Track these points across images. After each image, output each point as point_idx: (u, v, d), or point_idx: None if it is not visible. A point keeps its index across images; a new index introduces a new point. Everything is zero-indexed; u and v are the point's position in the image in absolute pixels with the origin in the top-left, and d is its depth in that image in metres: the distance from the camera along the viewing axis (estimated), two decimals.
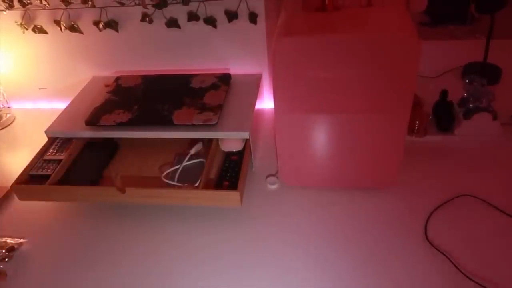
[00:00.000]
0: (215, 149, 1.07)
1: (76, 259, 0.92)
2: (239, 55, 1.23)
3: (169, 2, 1.14)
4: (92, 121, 1.07)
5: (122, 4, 1.16)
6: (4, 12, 1.22)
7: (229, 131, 1.03)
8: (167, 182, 1.02)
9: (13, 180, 1.02)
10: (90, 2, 1.17)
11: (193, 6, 1.14)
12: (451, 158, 1.07)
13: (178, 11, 1.16)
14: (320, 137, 0.93)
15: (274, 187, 1.04)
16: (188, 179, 1.02)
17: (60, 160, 1.07)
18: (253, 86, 1.18)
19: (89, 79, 1.31)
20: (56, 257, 0.93)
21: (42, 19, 1.23)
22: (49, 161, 1.08)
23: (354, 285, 0.81)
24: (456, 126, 1.11)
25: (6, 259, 0.93)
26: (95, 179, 1.06)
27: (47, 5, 1.20)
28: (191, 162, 1.07)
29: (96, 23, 1.21)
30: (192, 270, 0.88)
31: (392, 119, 0.87)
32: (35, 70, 1.36)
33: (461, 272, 0.81)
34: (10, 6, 1.20)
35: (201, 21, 1.16)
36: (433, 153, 1.08)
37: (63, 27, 1.22)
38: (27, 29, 1.25)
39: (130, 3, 1.16)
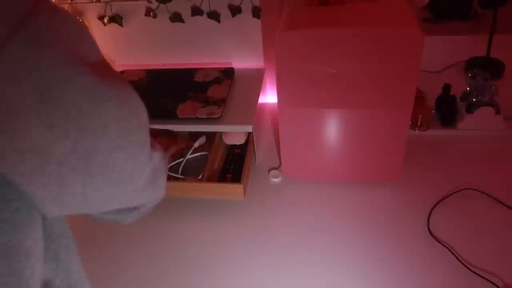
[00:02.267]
0: (218, 142, 1.08)
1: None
2: (242, 49, 1.23)
3: None
4: None
5: None
6: None
7: (232, 125, 1.03)
8: (171, 175, 1.03)
9: None
10: None
11: (196, 1, 1.15)
12: (454, 152, 1.07)
13: (182, 6, 1.16)
14: (323, 131, 0.93)
15: (276, 180, 1.05)
16: (191, 172, 1.03)
17: None
18: (256, 80, 1.19)
19: None
20: None
21: None
22: None
23: (357, 277, 0.82)
24: (459, 120, 1.11)
25: None
26: None
27: (53, 0, 1.20)
28: (195, 155, 1.08)
29: (100, 18, 1.22)
30: (194, 263, 0.88)
31: (395, 113, 0.88)
32: None
33: (464, 264, 0.81)
34: None
35: (204, 16, 1.17)
36: (436, 147, 1.08)
37: None
38: None
39: None
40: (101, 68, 0.39)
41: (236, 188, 0.94)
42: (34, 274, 0.40)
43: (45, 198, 0.37)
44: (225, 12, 1.16)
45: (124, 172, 0.42)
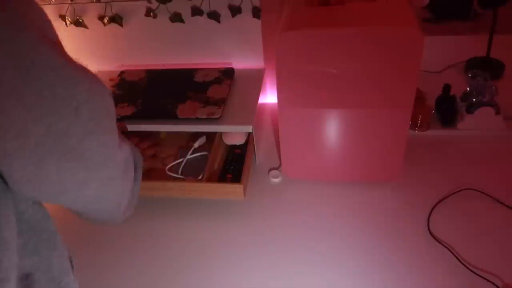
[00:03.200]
0: (218, 143, 1.08)
1: (77, 252, 0.93)
2: (242, 49, 1.23)
3: None
4: None
5: None
6: None
7: (232, 125, 1.03)
8: (171, 175, 1.03)
9: None
10: None
11: (197, 1, 1.15)
12: (454, 152, 1.07)
13: (182, 6, 1.16)
14: (323, 131, 0.93)
15: (276, 180, 1.05)
16: (191, 172, 1.03)
17: None
18: (256, 80, 1.19)
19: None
20: None
21: (48, 14, 1.24)
22: None
23: (357, 277, 0.82)
24: (459, 120, 1.11)
25: None
26: None
27: (53, 0, 1.20)
28: (195, 155, 1.08)
29: (101, 18, 1.22)
30: (194, 263, 0.88)
31: (395, 114, 0.88)
32: None
33: (464, 265, 0.81)
34: None
35: (204, 16, 1.17)
36: (436, 147, 1.08)
37: (68, 22, 1.23)
38: None
39: None
40: (69, 57, 0.41)
41: (236, 188, 0.94)
42: (12, 264, 0.40)
43: (21, 180, 0.38)
44: (225, 12, 1.16)
45: (96, 157, 0.43)
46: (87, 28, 1.25)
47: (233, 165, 1.04)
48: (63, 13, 1.22)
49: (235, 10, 1.14)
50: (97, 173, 0.44)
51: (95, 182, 0.44)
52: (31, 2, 0.40)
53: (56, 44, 0.40)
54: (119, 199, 0.52)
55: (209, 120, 1.03)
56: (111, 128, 0.45)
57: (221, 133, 1.10)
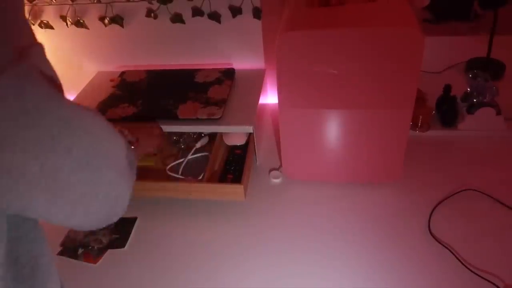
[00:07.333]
0: (219, 143, 1.08)
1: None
2: (243, 50, 1.24)
3: None
4: None
5: (128, 0, 1.17)
6: None
7: (233, 125, 1.03)
8: (171, 175, 1.03)
9: None
10: None
11: (197, 2, 1.15)
12: (455, 152, 1.07)
13: (183, 7, 1.17)
14: (324, 131, 0.93)
15: (277, 181, 1.05)
16: (192, 172, 1.03)
17: None
18: (257, 81, 1.19)
19: (94, 74, 1.32)
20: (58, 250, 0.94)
21: (49, 15, 1.25)
22: None
23: (358, 278, 0.82)
24: (459, 120, 1.11)
25: None
26: None
27: (54, 1, 1.21)
28: (196, 155, 1.08)
29: (101, 19, 1.22)
30: (194, 264, 0.88)
31: (395, 114, 0.88)
32: None
33: (464, 265, 0.81)
34: None
35: (205, 17, 1.17)
36: (437, 147, 1.08)
37: (69, 23, 1.24)
38: (33, 24, 1.26)
39: None
40: (63, 96, 0.43)
41: (237, 188, 0.94)
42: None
43: (7, 210, 0.41)
44: (225, 13, 1.16)
45: (80, 193, 0.44)
46: (88, 28, 1.25)
47: (233, 166, 1.04)
48: (64, 13, 1.23)
49: (235, 11, 1.14)
50: (83, 206, 0.45)
51: (79, 215, 0.45)
52: (46, 60, 0.42)
53: (52, 82, 0.41)
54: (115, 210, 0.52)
55: (209, 120, 1.03)
56: (104, 165, 0.46)
57: (221, 134, 1.10)
